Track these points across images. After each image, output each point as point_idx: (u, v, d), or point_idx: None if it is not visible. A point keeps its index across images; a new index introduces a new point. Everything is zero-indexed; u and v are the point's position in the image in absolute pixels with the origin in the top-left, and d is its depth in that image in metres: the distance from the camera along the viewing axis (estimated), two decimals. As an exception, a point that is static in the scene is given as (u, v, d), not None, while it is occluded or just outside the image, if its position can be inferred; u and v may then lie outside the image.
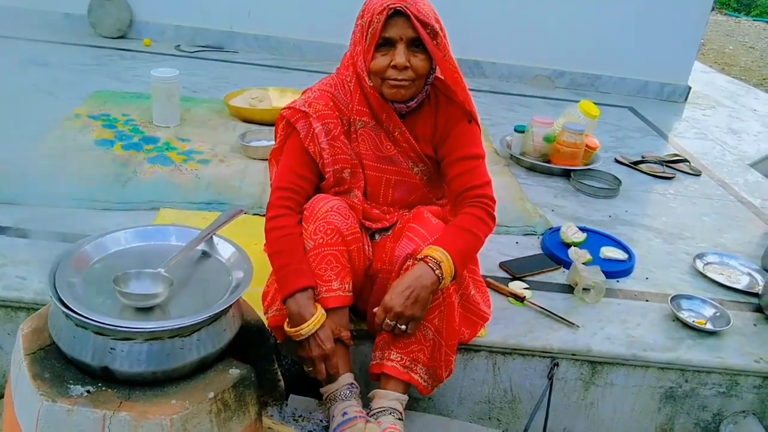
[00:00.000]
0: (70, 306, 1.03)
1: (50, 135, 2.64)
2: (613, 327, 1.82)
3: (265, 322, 1.52)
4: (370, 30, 1.42)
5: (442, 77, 1.51)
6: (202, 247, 1.30)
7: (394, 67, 1.42)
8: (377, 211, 1.60)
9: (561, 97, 4.09)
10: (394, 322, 1.36)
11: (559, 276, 2.05)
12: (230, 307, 1.14)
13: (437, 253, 1.38)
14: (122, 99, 3.12)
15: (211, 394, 1.08)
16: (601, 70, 4.37)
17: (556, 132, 2.82)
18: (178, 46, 4.24)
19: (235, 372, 1.14)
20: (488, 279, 1.92)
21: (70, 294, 1.06)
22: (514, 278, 1.99)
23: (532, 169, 2.85)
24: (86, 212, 2.11)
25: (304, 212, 1.47)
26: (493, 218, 1.52)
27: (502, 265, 2.05)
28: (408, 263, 1.44)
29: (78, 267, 1.15)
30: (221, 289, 1.19)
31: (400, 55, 1.41)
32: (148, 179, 2.36)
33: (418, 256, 1.39)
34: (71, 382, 1.06)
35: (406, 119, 1.56)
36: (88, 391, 1.05)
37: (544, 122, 2.84)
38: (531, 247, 2.20)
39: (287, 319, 1.41)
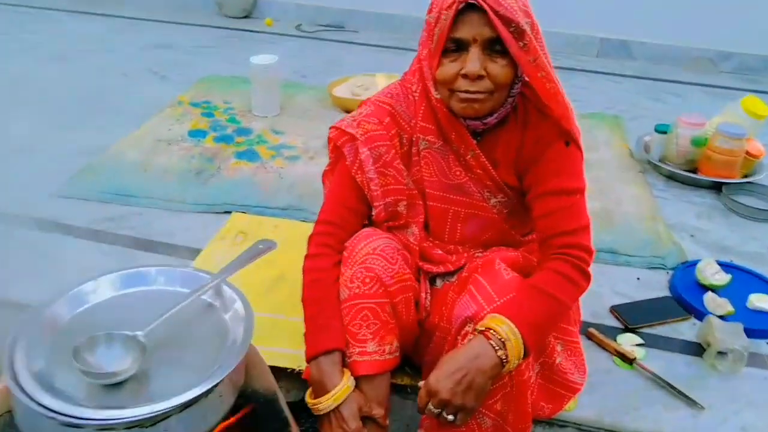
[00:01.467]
0: (18, 381, 0.87)
1: (148, 123, 2.60)
2: (754, 412, 1.38)
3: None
4: (437, 29, 1.11)
5: (533, 86, 1.16)
6: (208, 296, 1.09)
7: (465, 76, 1.10)
8: (439, 252, 1.30)
9: (725, 84, 3.41)
10: (439, 410, 1.07)
11: (687, 329, 1.62)
12: (212, 389, 0.92)
13: (503, 326, 1.05)
14: (228, 84, 3.03)
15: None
16: (780, 51, 3.59)
17: (708, 134, 2.29)
18: (299, 25, 4.11)
19: (216, 467, 0.93)
20: (591, 330, 1.55)
21: (26, 365, 0.90)
22: (626, 329, 1.59)
23: (672, 178, 2.35)
24: (158, 212, 2.03)
25: (344, 252, 1.21)
26: (587, 277, 1.16)
27: (613, 310, 1.65)
28: (467, 329, 1.13)
29: (48, 328, 0.99)
30: (216, 357, 0.98)
31: (472, 62, 1.08)
32: (230, 177, 2.24)
33: (478, 326, 1.08)
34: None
35: (483, 139, 1.23)
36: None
37: (694, 123, 2.31)
38: (656, 286, 1.77)
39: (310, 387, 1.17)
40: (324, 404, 1.12)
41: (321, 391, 1.14)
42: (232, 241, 1.88)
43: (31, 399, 0.86)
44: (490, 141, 1.24)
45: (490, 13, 1.06)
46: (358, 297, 1.16)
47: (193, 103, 2.81)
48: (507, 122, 1.23)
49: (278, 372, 1.40)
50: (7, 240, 1.84)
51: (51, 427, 0.87)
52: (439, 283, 1.31)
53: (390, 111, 1.25)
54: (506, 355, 1.04)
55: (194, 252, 1.84)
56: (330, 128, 1.28)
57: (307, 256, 1.26)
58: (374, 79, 2.96)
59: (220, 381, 0.93)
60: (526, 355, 1.07)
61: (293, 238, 1.52)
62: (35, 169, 2.20)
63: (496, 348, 1.04)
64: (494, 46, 1.09)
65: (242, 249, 1.86)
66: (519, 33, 1.07)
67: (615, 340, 1.54)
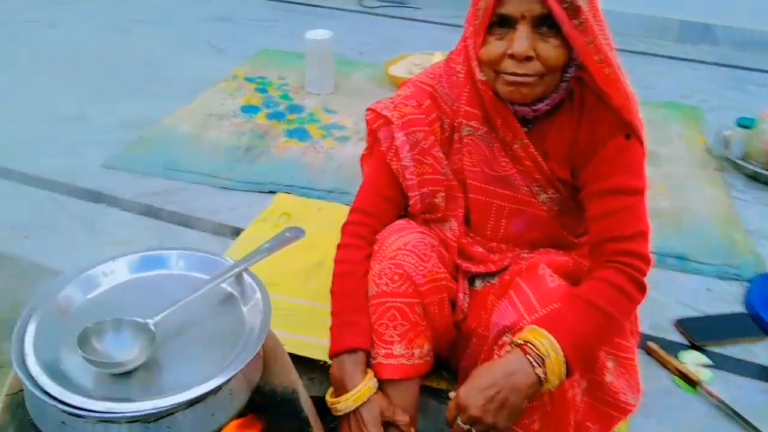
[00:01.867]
0: (25, 364, 0.83)
1: (201, 97, 2.57)
2: (837, 453, 1.22)
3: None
4: (482, 2, 1.00)
5: (589, 70, 1.02)
6: (229, 285, 1.02)
7: (512, 56, 0.98)
8: (480, 250, 1.19)
9: (821, 75, 3.11)
10: (468, 427, 0.97)
11: (762, 351, 1.45)
12: (221, 386, 0.85)
13: (543, 340, 0.94)
14: (284, 59, 2.98)
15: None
16: None
17: (798, 131, 2.07)
18: (361, 0, 4.01)
19: (222, 471, 0.87)
20: (650, 344, 1.42)
21: (35, 348, 0.86)
22: (692, 346, 1.44)
23: (754, 179, 2.13)
24: (204, 189, 2.00)
25: (374, 245, 1.13)
26: (642, 289, 1.03)
27: (678, 324, 1.50)
28: (504, 339, 1.02)
29: (61, 310, 0.94)
30: (230, 351, 0.91)
31: (520, 41, 0.96)
32: (279, 156, 2.19)
33: (516, 339, 0.97)
34: (30, 446, 0.88)
35: (534, 127, 1.11)
36: (40, 465, 0.85)
37: (782, 117, 2.09)
38: (729, 299, 1.60)
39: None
40: (343, 404, 1.05)
41: (341, 390, 1.07)
42: (274, 222, 1.83)
43: (36, 384, 0.82)
44: (541, 130, 1.11)
45: None
46: (385, 295, 1.08)
47: (247, 78, 2.77)
48: (561, 110, 1.10)
49: (312, 363, 1.34)
50: (54, 209, 1.85)
51: (54, 412, 0.83)
52: (478, 284, 1.20)
53: (431, 93, 1.14)
54: (545, 374, 0.93)
55: (236, 231, 1.80)
56: (366, 110, 1.18)
57: (338, 246, 1.18)
58: (432, 58, 2.82)
59: (231, 378, 0.86)
60: (569, 374, 0.96)
61: (337, 222, 1.46)
62: (87, 139, 2.21)
63: (534, 365, 0.93)
64: (545, 24, 0.97)
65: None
66: (574, 10, 0.94)
67: (677, 358, 1.39)
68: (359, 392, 1.04)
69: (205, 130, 2.33)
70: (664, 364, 1.38)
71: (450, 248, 1.16)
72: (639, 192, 1.06)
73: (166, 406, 0.81)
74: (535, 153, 1.10)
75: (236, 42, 3.21)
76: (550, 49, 0.97)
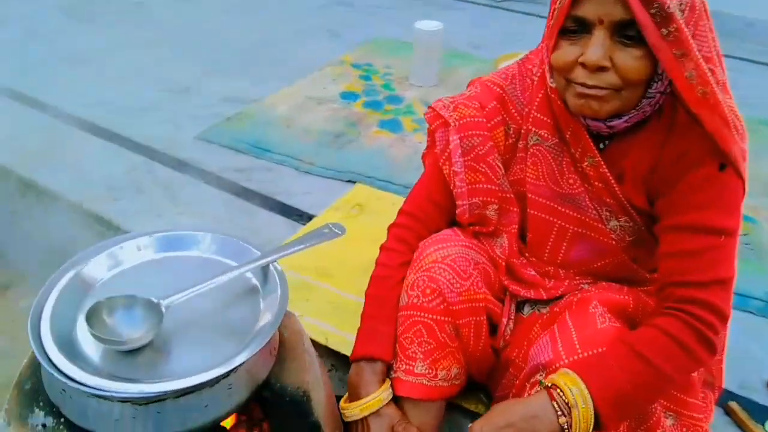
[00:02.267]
0: (38, 332, 0.86)
1: (305, 80, 2.60)
2: None
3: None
4: (558, 2, 0.88)
5: (677, 88, 0.87)
6: (255, 276, 0.99)
7: (584, 65, 0.86)
8: (532, 272, 1.07)
9: None
10: None
11: None
12: (217, 380, 0.82)
13: (574, 388, 0.83)
14: (395, 48, 2.94)
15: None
16: None
17: None
18: (488, -7, 3.88)
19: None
20: (732, 404, 1.23)
21: (51, 319, 0.88)
22: (782, 413, 1.24)
23: None
24: (287, 171, 2.01)
25: (415, 253, 1.05)
26: (710, 347, 0.87)
27: (771, 385, 1.29)
28: (538, 377, 0.91)
29: (84, 285, 0.95)
30: (239, 343, 0.89)
31: (594, 48, 0.84)
32: (367, 145, 2.15)
33: (546, 381, 0.86)
34: (41, 404, 0.90)
35: (610, 144, 0.98)
36: (44, 425, 0.88)
37: None
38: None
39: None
40: (351, 411, 1.01)
41: (354, 396, 1.02)
42: (346, 212, 1.80)
43: (42, 350, 0.84)
44: (620, 148, 0.97)
45: None
46: (415, 308, 1.00)
47: (354, 65, 2.76)
48: (646, 127, 0.95)
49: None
50: (145, 175, 1.94)
51: (55, 379, 0.84)
52: (527, 310, 1.09)
53: (499, 95, 1.04)
54: (569, 424, 0.82)
55: (309, 217, 1.79)
56: (428, 107, 1.11)
57: (381, 247, 1.13)
58: (549, 59, 2.67)
59: (230, 372, 0.83)
60: (598, 429, 0.84)
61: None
62: (189, 111, 2.30)
63: (559, 413, 0.82)
64: (628, 31, 0.83)
65: (356, 222, 1.79)
66: (664, 17, 0.80)
67: (764, 427, 1.20)
68: (369, 402, 0.99)
69: (301, 112, 2.34)
70: (745, 430, 1.19)
71: (498, 267, 1.06)
72: (727, 233, 0.90)
73: (152, 392, 0.79)
74: (607, 174, 0.97)
75: (353, 27, 3.22)
76: (629, 60, 0.84)
